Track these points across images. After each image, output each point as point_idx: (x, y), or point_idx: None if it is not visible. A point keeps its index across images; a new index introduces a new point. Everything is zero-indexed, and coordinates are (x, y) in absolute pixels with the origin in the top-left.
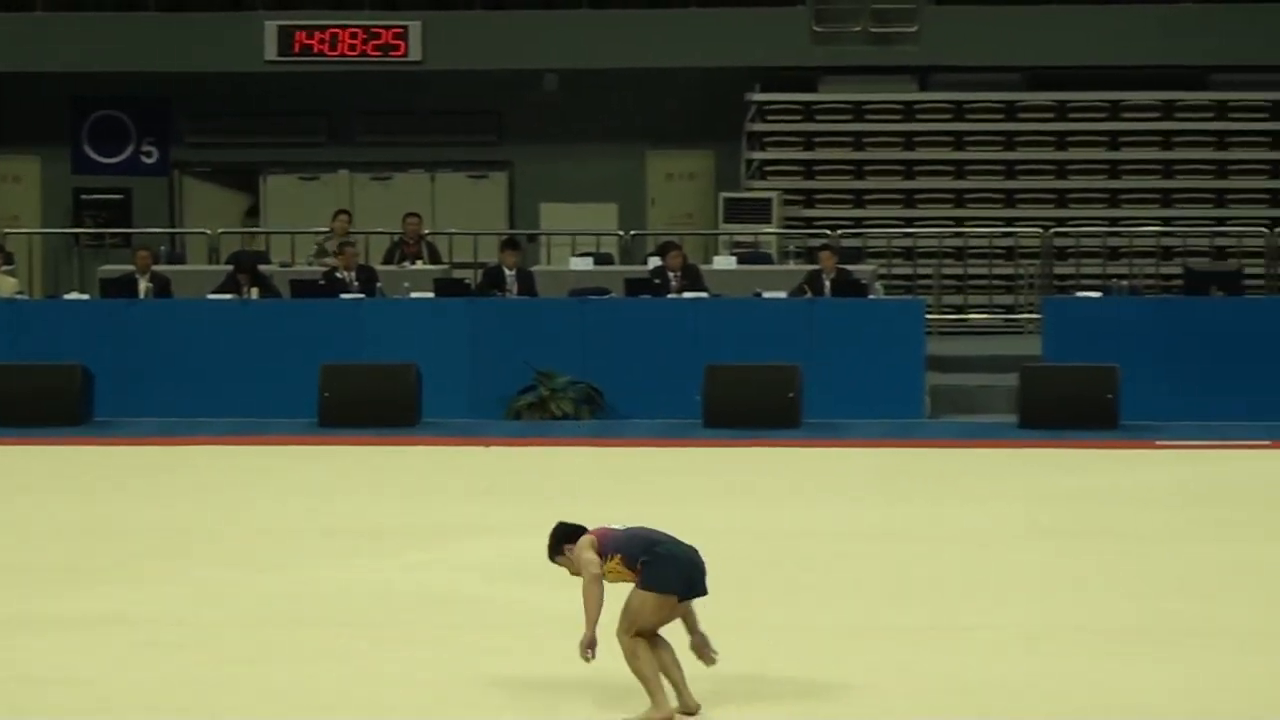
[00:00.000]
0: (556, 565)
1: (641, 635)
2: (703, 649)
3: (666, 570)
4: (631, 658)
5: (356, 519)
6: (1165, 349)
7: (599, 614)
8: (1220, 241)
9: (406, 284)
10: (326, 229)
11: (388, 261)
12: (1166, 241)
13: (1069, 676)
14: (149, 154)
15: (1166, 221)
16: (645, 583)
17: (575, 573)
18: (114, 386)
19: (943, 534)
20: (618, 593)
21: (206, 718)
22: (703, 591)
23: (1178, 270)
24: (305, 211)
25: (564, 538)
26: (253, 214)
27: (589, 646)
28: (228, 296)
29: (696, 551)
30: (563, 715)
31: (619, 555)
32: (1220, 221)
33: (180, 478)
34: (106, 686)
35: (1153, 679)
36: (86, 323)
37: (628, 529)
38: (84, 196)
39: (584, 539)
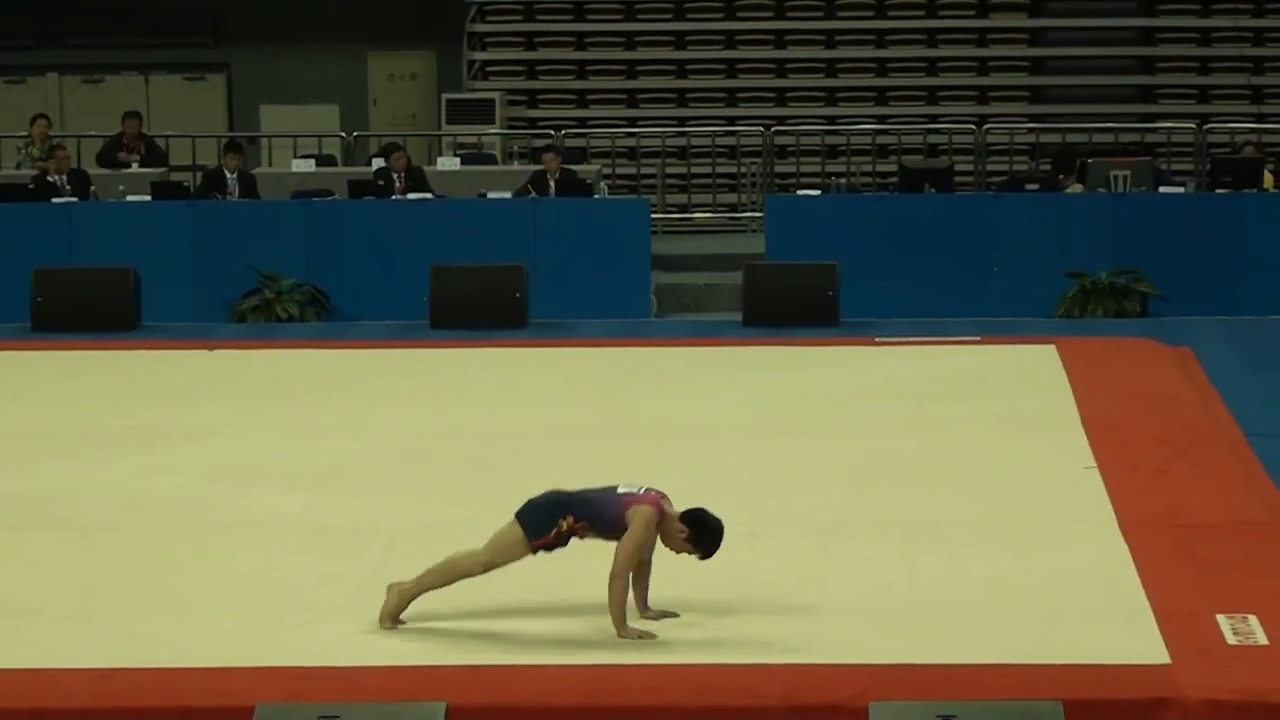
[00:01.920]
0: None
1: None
2: None
3: None
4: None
5: (70, 422)
6: (882, 246)
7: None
8: (932, 139)
9: (121, 187)
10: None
11: (104, 163)
12: (882, 139)
13: (789, 571)
14: None
15: (882, 119)
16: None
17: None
18: None
19: (667, 432)
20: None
21: None
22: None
23: (893, 168)
24: (12, 116)
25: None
26: None
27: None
28: None
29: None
30: (288, 613)
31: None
32: (932, 119)
33: None
34: None
35: (865, 572)
36: None
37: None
38: None
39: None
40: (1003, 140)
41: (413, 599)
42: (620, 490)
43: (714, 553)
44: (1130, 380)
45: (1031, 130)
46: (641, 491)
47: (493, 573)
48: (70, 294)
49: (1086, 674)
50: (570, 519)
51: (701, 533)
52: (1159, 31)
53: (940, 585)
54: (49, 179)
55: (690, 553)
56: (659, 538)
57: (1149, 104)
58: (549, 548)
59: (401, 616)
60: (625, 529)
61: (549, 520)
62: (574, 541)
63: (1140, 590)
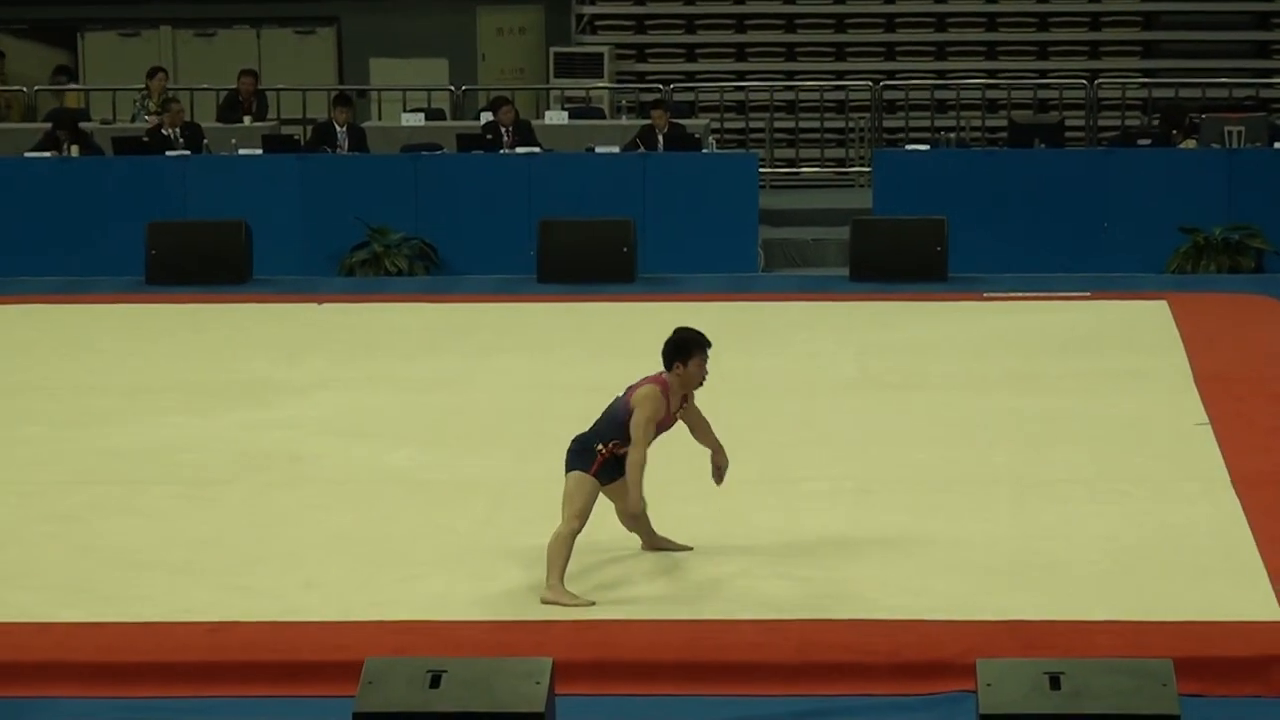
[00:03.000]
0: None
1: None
2: None
3: None
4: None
5: (181, 376)
6: (991, 201)
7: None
8: (1043, 94)
9: (234, 140)
10: (144, 87)
11: (223, 119)
12: (991, 94)
13: (897, 526)
14: None
15: (991, 74)
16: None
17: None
18: None
19: (775, 387)
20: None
21: (21, 574)
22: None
23: (1003, 123)
24: (126, 68)
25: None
26: (63, 72)
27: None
28: (47, 154)
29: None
30: (396, 567)
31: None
32: (1043, 74)
33: (2, 336)
34: None
35: (973, 527)
36: None
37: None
38: None
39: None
40: (1115, 96)
41: (562, 583)
42: (622, 394)
43: (706, 341)
44: (1245, 337)
45: (1144, 86)
46: (638, 380)
47: (596, 532)
48: (183, 247)
49: (1197, 631)
50: (601, 445)
51: (685, 349)
52: None
53: (1049, 541)
54: (163, 132)
55: (701, 369)
56: (685, 393)
57: (1264, 59)
58: (605, 474)
59: (564, 595)
60: (633, 411)
61: (589, 454)
62: (672, 496)
63: (1253, 547)
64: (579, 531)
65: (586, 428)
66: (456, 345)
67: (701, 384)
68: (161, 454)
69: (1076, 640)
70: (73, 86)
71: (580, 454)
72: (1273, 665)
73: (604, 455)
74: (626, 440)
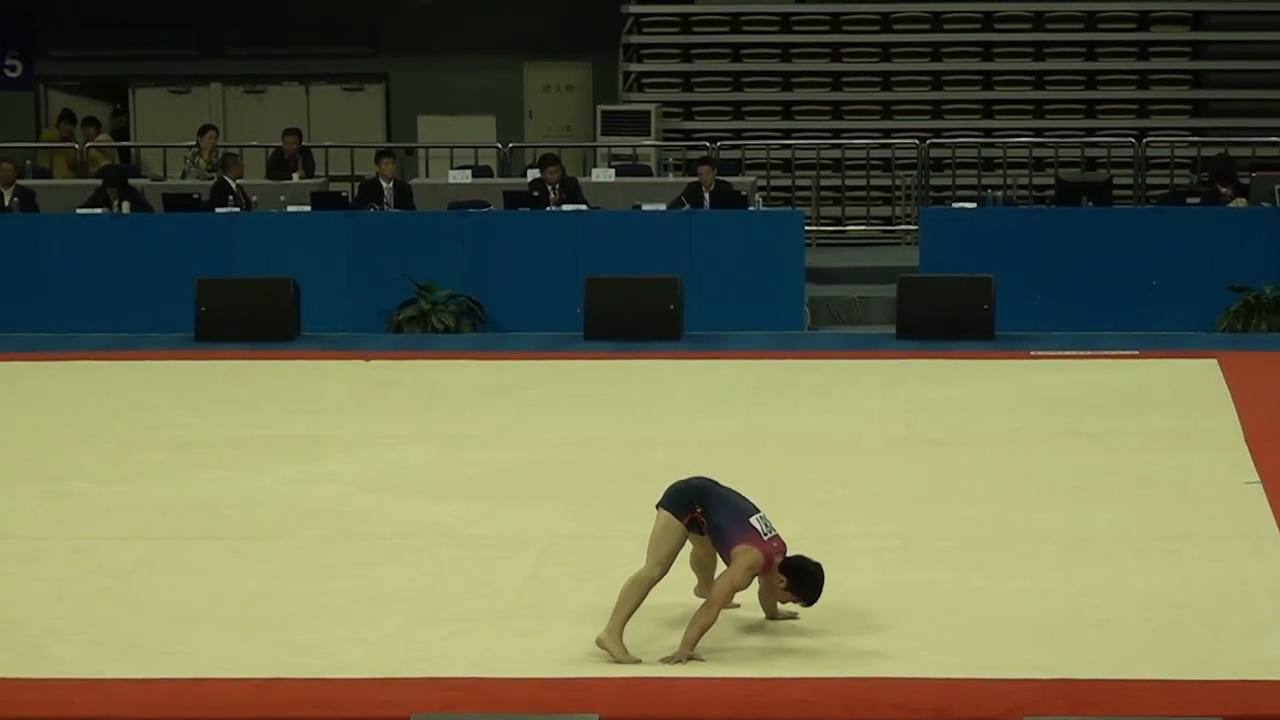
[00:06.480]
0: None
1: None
2: None
3: None
4: None
5: (230, 432)
6: (1039, 259)
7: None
8: (1090, 152)
9: (282, 197)
10: (194, 144)
11: (271, 176)
12: (1039, 152)
13: (944, 584)
14: (12, 68)
15: (1039, 133)
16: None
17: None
18: None
19: (821, 444)
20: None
21: (71, 629)
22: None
23: (1050, 181)
24: (177, 126)
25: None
26: (92, 123)
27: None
28: (97, 211)
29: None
30: (442, 623)
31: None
32: (1090, 132)
33: (53, 392)
34: None
35: (1021, 585)
36: None
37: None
38: None
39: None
40: (1163, 154)
41: (622, 632)
42: (753, 521)
43: (816, 599)
44: None
45: (1193, 144)
46: (767, 537)
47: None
48: (232, 304)
49: (1248, 690)
50: (700, 510)
51: (802, 580)
52: None
53: (1098, 599)
54: (227, 180)
55: (793, 601)
56: (762, 588)
57: None
58: (694, 527)
59: (617, 646)
60: (730, 556)
61: (685, 505)
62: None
63: None
64: (659, 580)
65: (631, 486)
66: (503, 402)
67: (770, 592)
68: (209, 509)
69: (1126, 699)
70: (108, 143)
71: (678, 498)
72: None
73: (696, 515)
74: (712, 535)
